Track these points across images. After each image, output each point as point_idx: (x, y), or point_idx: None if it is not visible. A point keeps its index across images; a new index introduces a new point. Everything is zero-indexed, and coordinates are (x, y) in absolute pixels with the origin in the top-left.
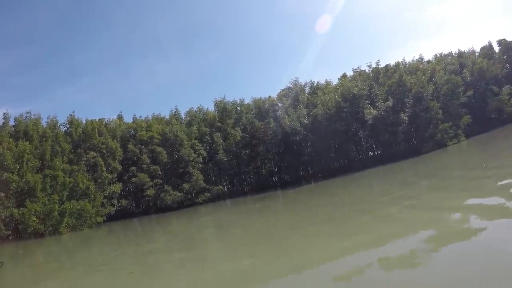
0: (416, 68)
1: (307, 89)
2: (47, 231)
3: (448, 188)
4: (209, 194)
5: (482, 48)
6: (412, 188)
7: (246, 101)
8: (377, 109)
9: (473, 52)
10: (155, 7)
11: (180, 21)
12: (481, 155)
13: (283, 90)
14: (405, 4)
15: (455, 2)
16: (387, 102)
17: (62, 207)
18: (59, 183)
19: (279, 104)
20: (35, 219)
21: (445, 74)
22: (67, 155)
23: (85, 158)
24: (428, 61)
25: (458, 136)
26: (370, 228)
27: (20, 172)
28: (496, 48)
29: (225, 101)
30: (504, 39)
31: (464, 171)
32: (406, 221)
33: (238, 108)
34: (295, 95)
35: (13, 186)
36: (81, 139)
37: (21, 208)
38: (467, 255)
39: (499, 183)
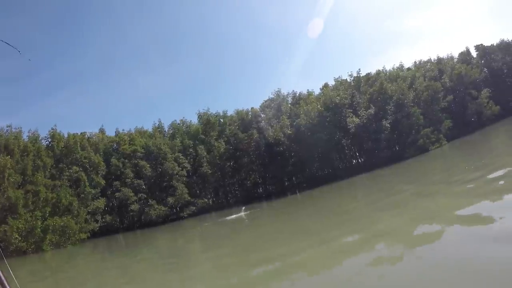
0: (397, 75)
1: (289, 100)
2: (30, 249)
3: (432, 195)
4: (194, 207)
5: (460, 54)
6: (397, 196)
7: (229, 113)
8: (359, 117)
9: (452, 58)
10: (138, 19)
11: (163, 33)
12: (462, 158)
13: (266, 101)
14: (385, 13)
15: (434, 11)
16: (369, 110)
17: (44, 223)
18: (41, 198)
19: (262, 115)
20: (17, 236)
21: (424, 80)
22: (49, 170)
23: (67, 173)
24: (408, 69)
25: (440, 141)
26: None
27: (1, 188)
28: (474, 54)
29: (208, 113)
30: (482, 44)
31: (446, 175)
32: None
33: (222, 120)
34: (278, 106)
35: None
36: (63, 153)
37: (3, 225)
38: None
39: (483, 186)
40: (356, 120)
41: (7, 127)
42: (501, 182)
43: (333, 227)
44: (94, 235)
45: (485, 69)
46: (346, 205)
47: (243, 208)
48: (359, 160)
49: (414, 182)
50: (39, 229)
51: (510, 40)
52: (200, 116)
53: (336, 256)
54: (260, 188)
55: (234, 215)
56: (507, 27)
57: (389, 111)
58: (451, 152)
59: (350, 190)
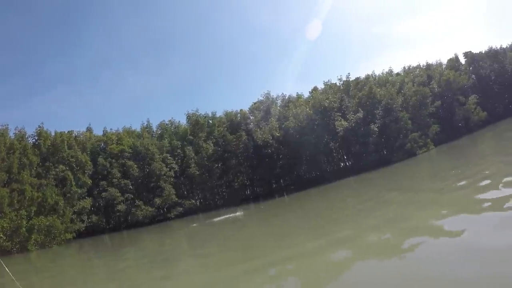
0: (386, 80)
1: (278, 102)
2: (15, 249)
3: (417, 202)
4: (181, 208)
5: (449, 60)
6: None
7: (218, 114)
8: (348, 121)
9: (440, 64)
10: (130, 20)
11: (154, 34)
12: (449, 163)
13: (255, 103)
14: (375, 20)
15: (423, 18)
16: (358, 114)
17: (30, 223)
18: (27, 197)
19: (251, 117)
20: (1, 235)
21: (413, 85)
22: (35, 168)
23: (53, 172)
24: (397, 74)
25: (427, 145)
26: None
27: None
28: (463, 60)
29: (197, 114)
30: (470, 51)
31: (432, 180)
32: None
33: (210, 121)
34: (267, 108)
35: None
36: (50, 152)
37: None
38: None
39: (472, 195)
40: (345, 123)
41: None
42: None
43: (316, 231)
44: (80, 235)
45: (473, 76)
46: (331, 209)
47: (238, 212)
48: (347, 163)
49: (399, 189)
50: (24, 229)
51: (498, 47)
52: (188, 117)
53: (315, 259)
54: (248, 190)
55: (222, 217)
56: (495, 34)
57: (377, 115)
58: (438, 157)
59: (337, 193)
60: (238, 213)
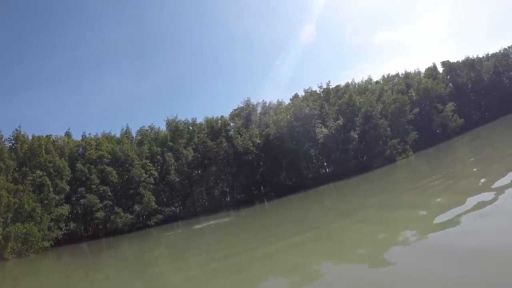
0: (365, 88)
1: (259, 109)
2: None
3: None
4: (161, 216)
5: (427, 69)
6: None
7: (199, 121)
8: (328, 128)
9: (419, 73)
10: (111, 24)
11: (135, 38)
12: (427, 168)
13: (235, 110)
14: (354, 30)
15: (402, 30)
16: (338, 121)
17: (6, 230)
18: (3, 203)
19: (232, 124)
20: None
21: (392, 93)
22: (11, 173)
23: (30, 177)
24: (377, 82)
25: (406, 151)
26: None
27: None
28: (440, 69)
29: (177, 120)
30: (448, 61)
31: (410, 185)
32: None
33: (190, 128)
34: (247, 115)
35: None
36: (27, 156)
37: None
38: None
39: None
40: (325, 130)
41: None
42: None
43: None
44: (58, 243)
45: (451, 84)
46: (309, 215)
47: (218, 219)
48: (327, 170)
49: (377, 194)
50: (0, 236)
51: (474, 57)
52: (168, 123)
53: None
54: (228, 197)
55: (203, 224)
56: (472, 45)
57: (357, 123)
58: (417, 163)
59: (316, 199)
60: (218, 220)
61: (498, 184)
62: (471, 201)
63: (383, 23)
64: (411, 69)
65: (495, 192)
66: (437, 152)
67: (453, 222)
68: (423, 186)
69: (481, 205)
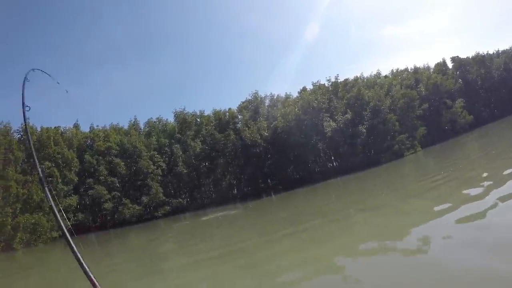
0: (374, 82)
1: (267, 102)
2: (0, 247)
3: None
4: (168, 207)
5: (437, 65)
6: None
7: (207, 113)
8: (336, 121)
9: (428, 68)
10: (117, 18)
11: (141, 32)
12: (436, 164)
13: (243, 102)
14: (363, 24)
15: (412, 24)
16: (346, 115)
17: (15, 220)
18: (12, 194)
19: (239, 117)
20: None
21: (401, 88)
22: (20, 164)
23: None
24: (386, 76)
25: (415, 147)
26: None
27: None
28: (450, 65)
29: (185, 112)
30: (458, 56)
31: (419, 179)
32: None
33: (198, 120)
34: (255, 108)
35: None
36: (36, 147)
37: None
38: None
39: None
40: (333, 124)
41: None
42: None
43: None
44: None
45: (460, 80)
46: (317, 208)
47: (226, 211)
48: (334, 164)
49: (386, 189)
50: (9, 226)
51: (485, 53)
52: (176, 115)
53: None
54: (235, 189)
55: (210, 216)
56: (482, 41)
57: (365, 117)
58: (425, 159)
59: (324, 193)
60: (225, 213)
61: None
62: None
63: (391, 17)
64: (420, 64)
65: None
66: (446, 148)
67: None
68: (432, 181)
69: (499, 200)
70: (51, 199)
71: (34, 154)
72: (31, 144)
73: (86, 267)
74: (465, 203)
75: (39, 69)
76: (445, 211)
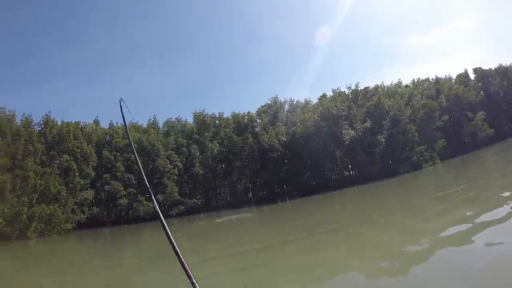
0: (394, 91)
1: (286, 107)
2: (14, 235)
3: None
4: (183, 207)
5: (458, 76)
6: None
7: (225, 115)
8: (355, 130)
9: (450, 78)
10: (137, 18)
11: (161, 33)
12: (455, 178)
13: (262, 107)
14: (385, 32)
15: (434, 33)
16: (365, 124)
17: (31, 210)
18: (30, 184)
19: (258, 120)
20: (2, 220)
21: (422, 98)
22: (39, 156)
23: (58, 161)
24: (406, 86)
25: (433, 159)
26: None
27: None
28: (472, 76)
29: (204, 113)
30: (480, 68)
31: (438, 193)
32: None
33: (217, 122)
34: (274, 112)
35: None
36: (55, 141)
37: None
38: None
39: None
40: (352, 132)
41: (1, 108)
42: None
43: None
44: (80, 226)
45: (482, 92)
46: (331, 217)
47: (240, 214)
48: (351, 172)
49: (402, 201)
50: (25, 216)
51: (508, 65)
52: (195, 116)
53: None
54: (250, 193)
55: (224, 218)
56: (505, 52)
57: (385, 126)
58: (443, 172)
59: (339, 201)
60: (240, 216)
61: None
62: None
63: (413, 26)
64: (442, 74)
65: None
66: (466, 161)
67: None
68: (449, 195)
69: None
70: (156, 205)
71: (141, 168)
72: (136, 158)
73: (179, 251)
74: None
75: (122, 99)
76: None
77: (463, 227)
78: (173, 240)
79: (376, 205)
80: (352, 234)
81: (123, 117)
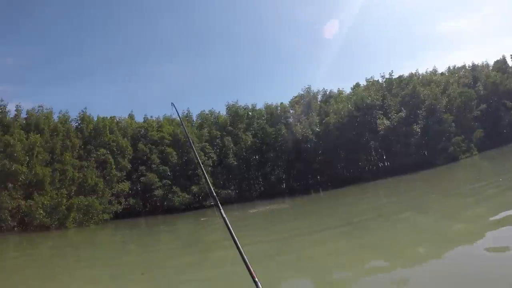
0: (430, 80)
1: (319, 97)
2: (53, 225)
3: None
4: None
5: (496, 62)
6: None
7: (258, 107)
8: (390, 119)
9: (487, 65)
10: (167, 12)
11: (191, 26)
12: (495, 171)
13: (295, 97)
14: (418, 18)
15: (468, 18)
16: (400, 113)
17: (69, 201)
18: (68, 177)
19: (291, 111)
20: (42, 212)
21: (458, 87)
22: (77, 150)
23: (95, 155)
24: (442, 74)
25: (471, 150)
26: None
27: (29, 164)
28: (510, 62)
29: (237, 105)
30: None
31: (478, 187)
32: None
33: (250, 113)
34: (307, 103)
35: (21, 178)
36: (92, 135)
37: (29, 200)
38: None
39: None
40: (387, 122)
41: (39, 107)
42: None
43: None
44: (117, 216)
45: None
46: (367, 209)
47: (274, 205)
48: (386, 164)
49: (441, 198)
50: (63, 207)
51: None
52: (228, 108)
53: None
54: (284, 184)
55: (258, 209)
56: None
57: (420, 116)
58: (482, 164)
59: (374, 193)
60: (274, 206)
61: None
62: None
63: (447, 11)
64: (478, 61)
65: None
66: (505, 153)
67: None
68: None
69: None
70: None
71: (200, 163)
72: (195, 153)
73: (236, 238)
74: None
75: (173, 104)
76: None
77: None
78: (235, 238)
79: (411, 198)
80: (384, 227)
81: (179, 118)
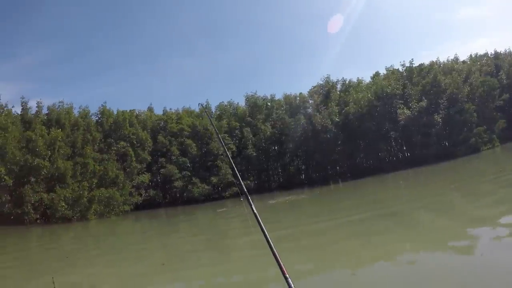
0: (451, 68)
1: (338, 87)
2: (75, 217)
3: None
4: (236, 188)
5: None
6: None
7: (277, 97)
8: (411, 109)
9: (510, 53)
10: (183, 5)
11: (208, 18)
12: None
13: (314, 87)
14: (436, 5)
15: (488, 5)
16: (421, 103)
17: (91, 194)
18: (89, 170)
19: (310, 101)
20: (64, 204)
21: (480, 75)
22: (97, 144)
23: (115, 148)
24: (463, 62)
25: (493, 141)
26: None
27: (51, 159)
28: None
29: (256, 96)
30: None
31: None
32: None
33: (269, 104)
34: (326, 93)
35: (43, 172)
36: (112, 129)
37: (51, 193)
38: None
39: None
40: (407, 112)
41: (59, 102)
42: None
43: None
44: (137, 207)
45: None
46: (387, 201)
47: (293, 195)
48: (406, 154)
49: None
50: (85, 199)
51: None
52: (247, 99)
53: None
54: (303, 175)
55: (277, 200)
56: None
57: (441, 105)
58: (504, 156)
59: (393, 185)
60: (293, 197)
61: None
62: None
63: None
64: (501, 48)
65: None
66: None
67: None
68: None
69: None
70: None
71: (229, 155)
72: (224, 147)
73: (274, 247)
74: None
75: (201, 104)
76: None
77: None
78: (267, 235)
79: (430, 192)
80: (398, 221)
81: (209, 119)
